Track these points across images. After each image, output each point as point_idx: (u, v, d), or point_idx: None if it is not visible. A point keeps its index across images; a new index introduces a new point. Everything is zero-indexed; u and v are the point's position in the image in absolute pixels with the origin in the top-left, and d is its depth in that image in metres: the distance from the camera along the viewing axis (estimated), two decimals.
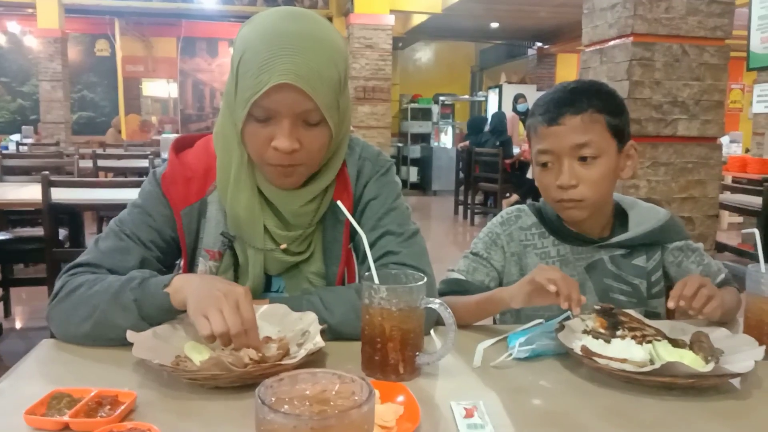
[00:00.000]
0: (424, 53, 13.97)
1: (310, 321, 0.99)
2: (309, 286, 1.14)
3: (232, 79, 1.03)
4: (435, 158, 11.37)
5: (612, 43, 3.37)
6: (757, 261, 1.10)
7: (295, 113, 1.00)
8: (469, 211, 8.19)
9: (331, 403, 0.54)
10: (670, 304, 1.08)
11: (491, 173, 7.46)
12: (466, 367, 0.98)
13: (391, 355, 0.91)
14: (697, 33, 3.27)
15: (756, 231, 1.15)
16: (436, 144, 12.12)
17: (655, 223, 1.30)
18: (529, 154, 1.29)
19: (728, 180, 6.09)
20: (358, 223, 1.03)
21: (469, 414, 0.80)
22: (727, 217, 7.56)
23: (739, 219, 7.36)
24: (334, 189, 1.13)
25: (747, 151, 8.09)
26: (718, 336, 1.03)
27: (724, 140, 8.86)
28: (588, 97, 1.21)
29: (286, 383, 0.56)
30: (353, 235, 1.14)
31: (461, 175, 8.52)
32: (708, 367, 0.91)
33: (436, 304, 0.92)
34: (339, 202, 1.03)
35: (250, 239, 1.11)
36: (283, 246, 1.11)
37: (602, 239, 1.29)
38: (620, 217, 1.34)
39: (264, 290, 1.16)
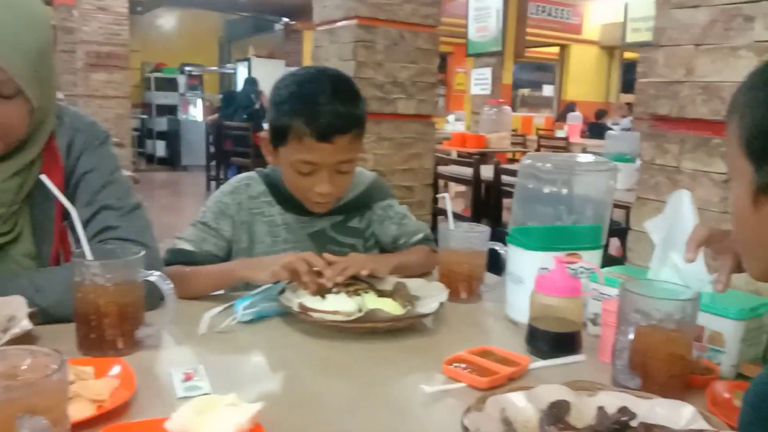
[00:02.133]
0: (167, 20, 13.16)
1: (17, 306, 0.92)
2: (17, 269, 1.05)
3: None
4: (184, 131, 10.83)
5: (339, 24, 3.58)
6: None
7: None
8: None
9: (20, 378, 0.53)
10: None
11: (243, 147, 7.39)
12: (191, 336, 1.01)
13: (108, 331, 0.90)
14: (412, 20, 3.64)
15: (446, 195, 1.35)
16: (184, 116, 11.56)
17: (362, 187, 1.43)
18: None
19: (454, 154, 6.88)
20: (73, 198, 0.98)
21: (188, 378, 0.84)
22: (455, 187, 8.54)
23: (464, 188, 8.35)
24: (42, 163, 1.05)
25: (468, 128, 9.19)
26: (416, 284, 1.20)
27: (451, 118, 9.97)
28: (353, 116, 1.24)
29: None
30: (67, 212, 1.07)
31: (212, 149, 8.30)
32: (403, 311, 1.06)
33: (154, 276, 0.93)
34: (43, 177, 0.96)
35: None
36: None
37: None
38: None
39: None
